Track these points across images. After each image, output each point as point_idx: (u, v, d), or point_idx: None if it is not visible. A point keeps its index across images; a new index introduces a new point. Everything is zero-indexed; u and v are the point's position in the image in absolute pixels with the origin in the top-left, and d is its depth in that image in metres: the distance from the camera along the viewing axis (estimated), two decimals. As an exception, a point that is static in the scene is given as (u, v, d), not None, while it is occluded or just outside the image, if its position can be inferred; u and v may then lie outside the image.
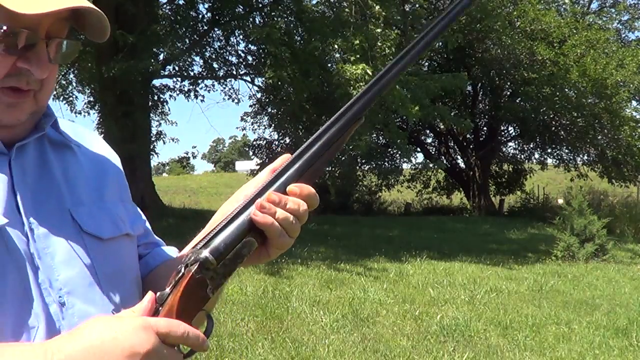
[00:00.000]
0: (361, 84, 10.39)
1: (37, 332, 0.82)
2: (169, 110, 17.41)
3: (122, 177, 1.06)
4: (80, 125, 1.07)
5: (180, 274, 0.83)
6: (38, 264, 0.84)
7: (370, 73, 10.29)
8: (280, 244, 0.89)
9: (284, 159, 0.92)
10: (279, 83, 11.98)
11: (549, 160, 22.67)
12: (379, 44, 11.06)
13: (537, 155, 22.44)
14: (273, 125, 17.05)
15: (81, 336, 0.75)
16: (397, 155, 19.60)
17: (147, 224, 1.11)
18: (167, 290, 0.82)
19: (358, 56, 10.52)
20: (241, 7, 13.52)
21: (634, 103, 19.54)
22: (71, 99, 16.61)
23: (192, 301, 0.83)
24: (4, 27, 0.82)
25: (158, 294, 0.82)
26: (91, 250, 0.91)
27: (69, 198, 0.93)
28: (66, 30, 0.90)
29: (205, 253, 0.84)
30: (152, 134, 14.62)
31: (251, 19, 13.85)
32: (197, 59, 15.58)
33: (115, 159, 1.07)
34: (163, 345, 0.76)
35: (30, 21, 0.83)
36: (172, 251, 1.11)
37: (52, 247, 0.87)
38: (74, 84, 16.52)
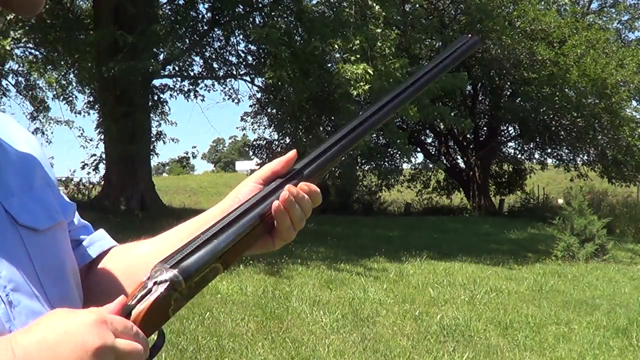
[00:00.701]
0: (362, 83, 10.39)
1: None
2: (169, 110, 17.35)
3: (46, 161, 0.99)
4: None
5: (146, 289, 0.81)
6: None
7: (372, 73, 10.29)
8: (286, 236, 0.94)
9: (286, 160, 0.96)
10: (279, 83, 11.98)
11: (549, 160, 22.69)
12: (379, 44, 11.05)
13: (537, 155, 22.45)
14: (273, 125, 17.05)
15: (37, 329, 0.73)
16: (397, 155, 19.60)
17: (75, 207, 1.05)
18: (132, 302, 0.80)
19: (358, 56, 10.52)
20: (241, 7, 13.51)
21: (634, 103, 19.54)
22: (71, 99, 16.62)
23: (153, 319, 0.81)
24: None
25: (124, 304, 0.80)
26: (28, 244, 0.86)
27: None
28: None
29: (177, 274, 0.82)
30: (152, 134, 14.62)
31: (251, 19, 13.85)
32: (197, 59, 15.59)
33: (34, 141, 1.00)
34: (115, 342, 0.74)
35: None
36: (103, 239, 1.06)
37: None
38: (74, 84, 16.53)
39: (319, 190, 0.95)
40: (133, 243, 1.05)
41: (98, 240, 1.05)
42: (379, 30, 10.92)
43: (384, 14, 10.84)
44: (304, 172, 0.97)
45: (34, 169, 0.95)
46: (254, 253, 0.95)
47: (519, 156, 22.68)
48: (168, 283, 0.82)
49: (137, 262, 0.99)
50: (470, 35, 1.12)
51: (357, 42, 10.52)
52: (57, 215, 0.94)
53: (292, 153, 0.97)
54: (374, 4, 10.82)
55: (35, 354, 0.71)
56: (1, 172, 0.88)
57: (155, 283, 0.82)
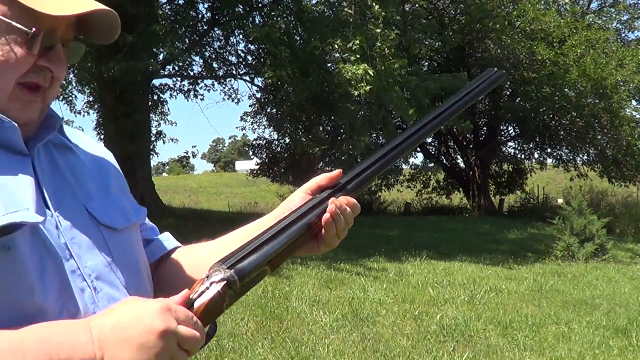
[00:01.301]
0: (362, 84, 10.38)
1: (76, 315, 0.92)
2: (169, 110, 17.35)
3: (119, 171, 1.16)
4: (70, 127, 1.14)
5: (206, 286, 0.94)
6: (69, 254, 0.94)
7: (372, 74, 10.28)
8: (331, 243, 1.10)
9: (331, 177, 1.12)
10: (279, 83, 11.98)
11: (549, 160, 22.67)
12: (379, 44, 11.04)
13: (537, 155, 22.42)
14: (273, 125, 17.04)
15: (112, 314, 0.88)
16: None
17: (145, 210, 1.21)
18: (194, 296, 0.93)
19: (358, 56, 10.51)
20: (241, 7, 13.51)
21: (634, 103, 19.53)
22: (71, 99, 16.61)
23: (211, 313, 0.93)
24: (34, 29, 0.92)
25: (189, 296, 0.94)
26: (109, 241, 1.00)
27: (81, 194, 1.02)
28: (73, 34, 0.99)
29: (233, 275, 0.95)
30: (152, 134, 14.61)
31: (251, 19, 13.84)
32: (197, 59, 15.58)
33: (109, 155, 1.16)
34: (178, 328, 0.86)
35: (51, 25, 0.93)
36: (169, 240, 1.23)
37: (77, 238, 0.96)
38: (74, 84, 16.51)
39: (358, 203, 1.11)
40: (195, 245, 1.21)
41: (166, 241, 1.22)
42: (378, 31, 10.91)
43: (383, 14, 10.83)
44: (348, 187, 1.12)
45: (109, 177, 1.11)
46: (299, 256, 1.12)
47: (519, 156, 22.66)
48: (225, 282, 0.95)
49: (198, 262, 1.13)
50: (495, 70, 1.25)
51: (357, 42, 10.52)
52: (132, 217, 1.09)
53: (338, 172, 1.13)
54: (374, 4, 10.81)
55: (110, 334, 0.85)
56: (82, 180, 1.04)
57: (214, 282, 0.94)
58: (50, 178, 0.99)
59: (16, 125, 0.94)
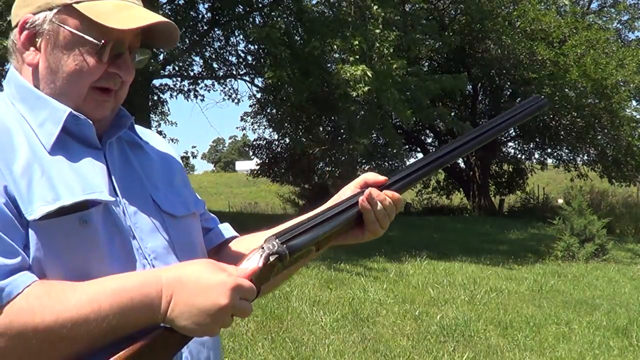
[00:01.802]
0: (361, 85, 10.36)
1: None
2: (169, 110, 17.38)
3: (182, 166, 1.31)
4: (141, 127, 1.29)
5: (259, 254, 1.07)
6: (133, 234, 1.08)
7: (370, 75, 10.26)
8: (372, 229, 1.23)
9: (376, 177, 1.25)
10: (279, 83, 11.97)
11: (549, 160, 22.64)
12: (377, 44, 11.03)
13: (537, 155, 22.42)
14: (273, 125, 17.04)
15: (184, 268, 1.03)
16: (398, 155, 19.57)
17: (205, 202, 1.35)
18: (247, 262, 1.06)
19: (357, 57, 10.49)
20: (241, 7, 13.51)
21: (634, 103, 19.51)
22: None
23: (259, 280, 1.06)
24: (102, 41, 1.06)
25: (244, 261, 1.08)
26: (169, 226, 1.14)
27: (148, 184, 1.16)
28: (139, 41, 1.13)
29: (285, 249, 1.08)
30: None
31: (251, 19, 13.84)
32: (197, 59, 15.58)
33: (174, 153, 1.32)
34: (239, 302, 1.01)
35: (119, 36, 1.07)
36: (227, 229, 1.36)
37: (140, 222, 1.10)
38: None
39: (400, 197, 1.25)
40: (251, 234, 1.34)
41: (224, 230, 1.36)
42: (377, 31, 10.90)
43: (382, 14, 10.82)
44: (393, 186, 1.25)
45: (173, 171, 1.25)
46: (346, 243, 1.25)
47: (519, 156, 22.66)
48: (277, 255, 1.08)
49: (253, 248, 1.22)
50: (542, 97, 1.37)
51: (356, 42, 10.50)
52: (191, 207, 1.23)
53: (384, 178, 1.25)
54: (372, 4, 10.80)
55: (178, 294, 0.99)
56: (149, 173, 1.18)
57: (267, 253, 1.07)
58: (120, 169, 1.13)
59: (90, 122, 1.08)
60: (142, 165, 1.18)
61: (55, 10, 1.06)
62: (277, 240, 1.08)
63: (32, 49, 1.09)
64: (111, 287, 0.98)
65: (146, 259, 1.08)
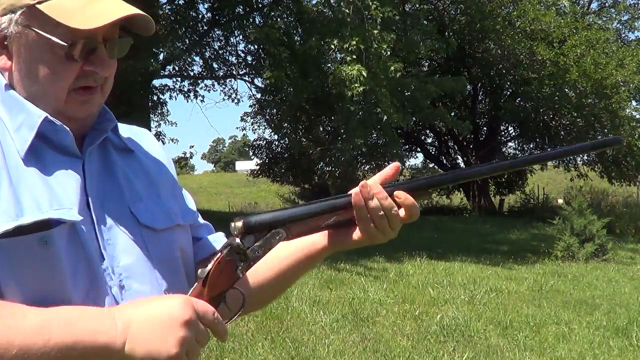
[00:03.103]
0: (356, 85, 10.35)
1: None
2: (169, 110, 17.37)
3: (173, 174, 1.23)
4: (135, 126, 1.23)
5: (216, 256, 1.03)
6: (103, 254, 1.01)
7: (365, 75, 10.25)
8: (364, 228, 1.09)
9: (393, 168, 1.13)
10: (279, 83, 11.97)
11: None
12: (375, 45, 11.02)
13: (537, 155, 22.40)
14: (272, 125, 17.04)
15: (137, 303, 0.97)
16: (397, 155, 19.56)
17: (196, 211, 1.26)
18: (208, 267, 1.01)
19: (354, 57, 10.49)
20: (241, 7, 13.51)
21: (634, 103, 19.51)
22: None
23: (222, 278, 1.01)
24: (70, 42, 0.99)
25: (199, 270, 1.04)
26: (147, 240, 1.07)
27: (128, 195, 1.08)
28: (117, 30, 1.05)
29: (233, 239, 1.02)
30: (151, 135, 14.57)
31: (251, 19, 13.84)
32: (197, 59, 15.58)
33: (166, 157, 1.24)
34: (198, 320, 0.96)
35: (88, 33, 0.99)
36: (217, 240, 1.25)
37: (114, 239, 1.03)
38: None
39: (415, 203, 1.08)
40: None
41: (215, 241, 1.25)
42: (376, 32, 10.89)
43: (381, 15, 10.81)
44: (401, 187, 1.10)
45: (162, 180, 1.17)
46: (343, 246, 1.14)
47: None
48: (228, 247, 1.02)
49: None
50: (619, 137, 1.33)
51: (354, 42, 10.49)
52: (176, 218, 1.14)
53: (396, 164, 1.13)
54: (371, 4, 10.79)
55: (133, 321, 0.93)
56: (133, 182, 1.11)
57: (221, 250, 1.03)
58: (98, 180, 1.06)
59: (68, 128, 1.02)
60: (126, 172, 1.11)
61: (19, 12, 0.99)
62: (233, 235, 1.03)
63: (4, 52, 1.03)
64: (64, 315, 0.91)
65: (114, 281, 1.01)
